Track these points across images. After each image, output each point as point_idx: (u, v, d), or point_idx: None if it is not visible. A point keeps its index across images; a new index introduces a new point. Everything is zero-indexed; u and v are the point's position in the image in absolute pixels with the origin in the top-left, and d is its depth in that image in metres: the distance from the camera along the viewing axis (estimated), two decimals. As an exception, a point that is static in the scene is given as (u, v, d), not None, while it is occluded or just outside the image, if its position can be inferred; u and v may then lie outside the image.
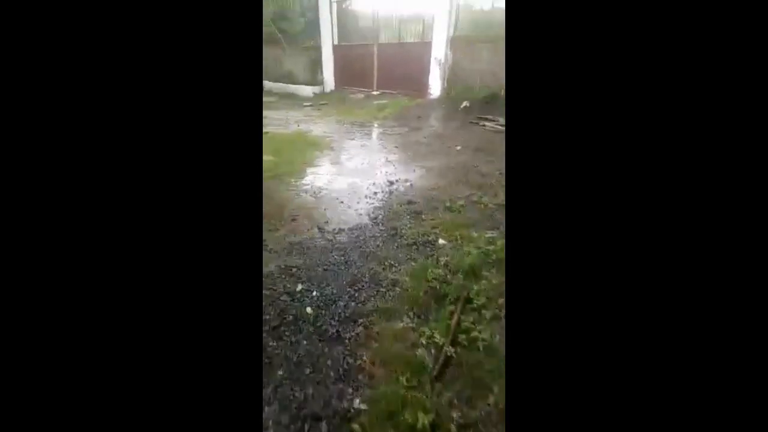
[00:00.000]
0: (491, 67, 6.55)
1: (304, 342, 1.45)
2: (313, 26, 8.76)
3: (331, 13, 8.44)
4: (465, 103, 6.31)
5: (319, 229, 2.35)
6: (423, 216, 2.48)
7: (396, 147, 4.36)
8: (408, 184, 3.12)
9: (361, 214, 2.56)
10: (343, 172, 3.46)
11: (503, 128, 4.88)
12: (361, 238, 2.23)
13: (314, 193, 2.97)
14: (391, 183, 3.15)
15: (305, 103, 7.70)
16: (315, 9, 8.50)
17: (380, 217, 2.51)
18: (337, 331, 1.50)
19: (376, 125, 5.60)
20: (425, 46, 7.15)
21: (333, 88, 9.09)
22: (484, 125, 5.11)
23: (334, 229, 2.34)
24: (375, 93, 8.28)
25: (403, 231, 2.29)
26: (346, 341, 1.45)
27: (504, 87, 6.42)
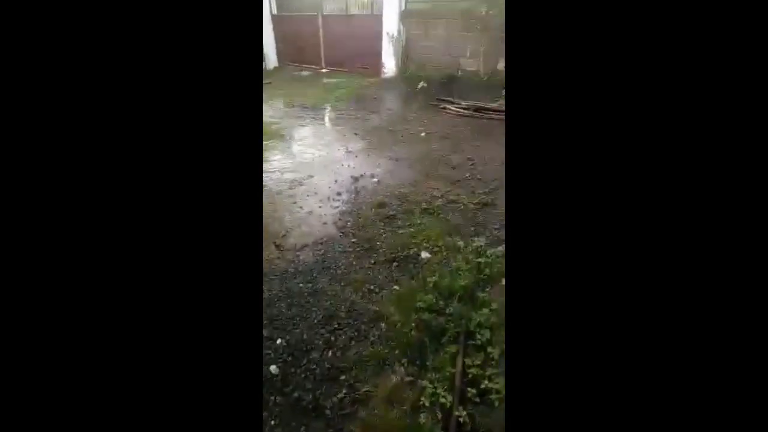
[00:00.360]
0: (445, 44, 6.27)
1: (272, 421, 1.10)
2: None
3: (267, -24, 7.46)
4: (422, 84, 5.99)
5: (277, 246, 1.95)
6: (398, 221, 2.18)
7: (355, 134, 3.94)
8: (375, 180, 2.78)
9: (325, 223, 2.19)
10: (298, 168, 3.00)
11: (466, 112, 4.67)
12: (329, 255, 1.88)
13: (266, 196, 2.51)
14: (356, 179, 2.79)
15: (245, 82, 6.83)
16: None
17: (349, 224, 2.16)
18: (315, 397, 1.17)
19: (329, 108, 5.09)
20: (375, 19, 6.61)
21: (276, 64, 8.21)
22: (445, 108, 4.86)
23: (295, 245, 1.95)
24: (324, 70, 7.62)
25: (377, 242, 1.97)
26: (328, 411, 1.13)
27: (461, 67, 6.21)
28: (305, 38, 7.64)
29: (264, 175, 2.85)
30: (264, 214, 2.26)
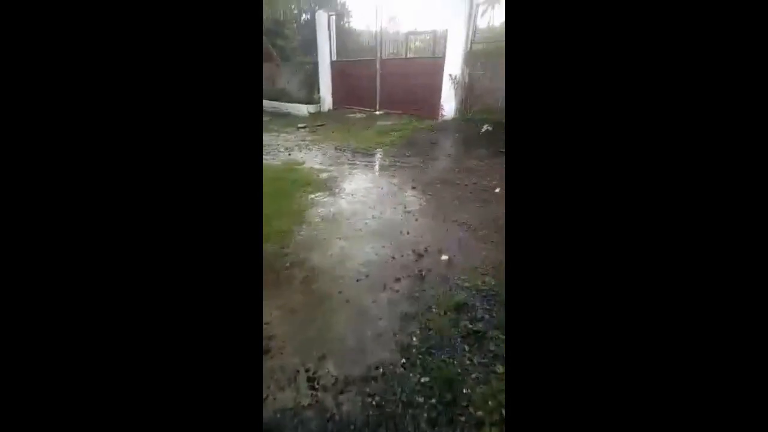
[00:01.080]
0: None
1: None
2: (309, 43, 7.94)
3: (329, 27, 7.62)
4: (486, 127, 5.38)
5: (310, 380, 1.30)
6: (491, 344, 1.44)
7: (413, 187, 3.35)
8: (444, 258, 2.09)
9: (380, 334, 1.51)
10: (346, 235, 2.43)
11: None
12: (387, 408, 1.18)
13: (303, 278, 1.93)
14: (420, 256, 2.12)
15: (299, 125, 6.75)
16: (311, 24, 7.68)
17: (414, 342, 1.46)
18: None
19: (382, 154, 4.62)
20: (435, 61, 6.28)
21: (331, 107, 8.19)
22: (518, 157, 4.14)
23: (337, 380, 1.29)
24: (377, 113, 7.38)
25: (463, 389, 1.24)
26: None
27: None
28: (361, 81, 7.56)
29: (300, 243, 2.31)
30: (296, 313, 1.65)
